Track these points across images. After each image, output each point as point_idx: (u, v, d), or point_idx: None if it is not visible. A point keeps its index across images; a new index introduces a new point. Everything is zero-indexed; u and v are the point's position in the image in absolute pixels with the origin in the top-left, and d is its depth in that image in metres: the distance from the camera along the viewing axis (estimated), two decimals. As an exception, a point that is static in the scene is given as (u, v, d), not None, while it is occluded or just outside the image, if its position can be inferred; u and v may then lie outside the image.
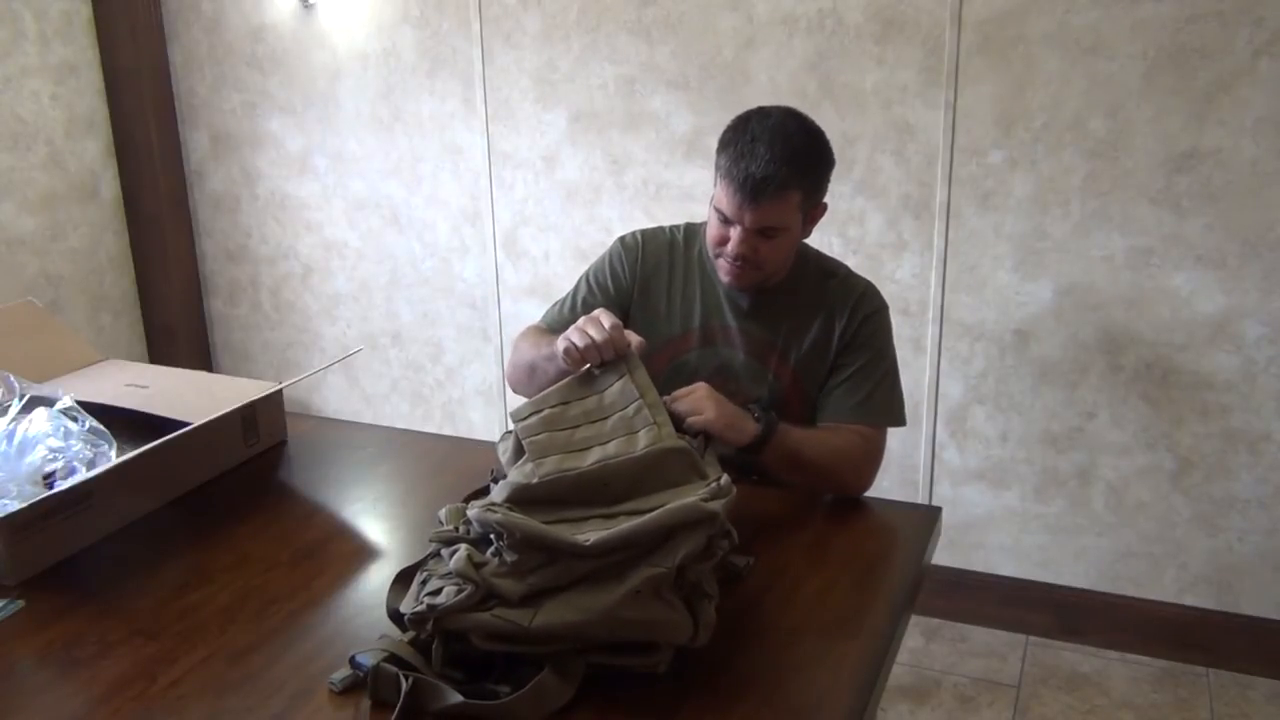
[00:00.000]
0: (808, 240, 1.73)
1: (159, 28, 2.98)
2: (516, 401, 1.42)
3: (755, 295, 1.66)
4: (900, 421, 1.65)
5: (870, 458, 1.60)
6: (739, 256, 1.55)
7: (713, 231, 1.59)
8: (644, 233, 1.76)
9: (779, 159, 1.48)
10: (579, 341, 1.34)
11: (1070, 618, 2.47)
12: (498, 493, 1.16)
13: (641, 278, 1.71)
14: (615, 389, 1.29)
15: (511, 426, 1.28)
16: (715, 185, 1.57)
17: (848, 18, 2.30)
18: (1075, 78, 2.16)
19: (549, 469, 1.16)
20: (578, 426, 1.24)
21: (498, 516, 1.06)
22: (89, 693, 1.10)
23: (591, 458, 1.18)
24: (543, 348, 1.56)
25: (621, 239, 1.75)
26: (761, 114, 1.55)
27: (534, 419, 1.25)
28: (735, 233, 1.54)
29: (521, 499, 1.13)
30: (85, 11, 2.92)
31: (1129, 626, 2.42)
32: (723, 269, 1.61)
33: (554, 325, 1.70)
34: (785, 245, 1.59)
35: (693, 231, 1.74)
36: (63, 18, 2.86)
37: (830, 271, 1.69)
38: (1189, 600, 2.36)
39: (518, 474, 1.18)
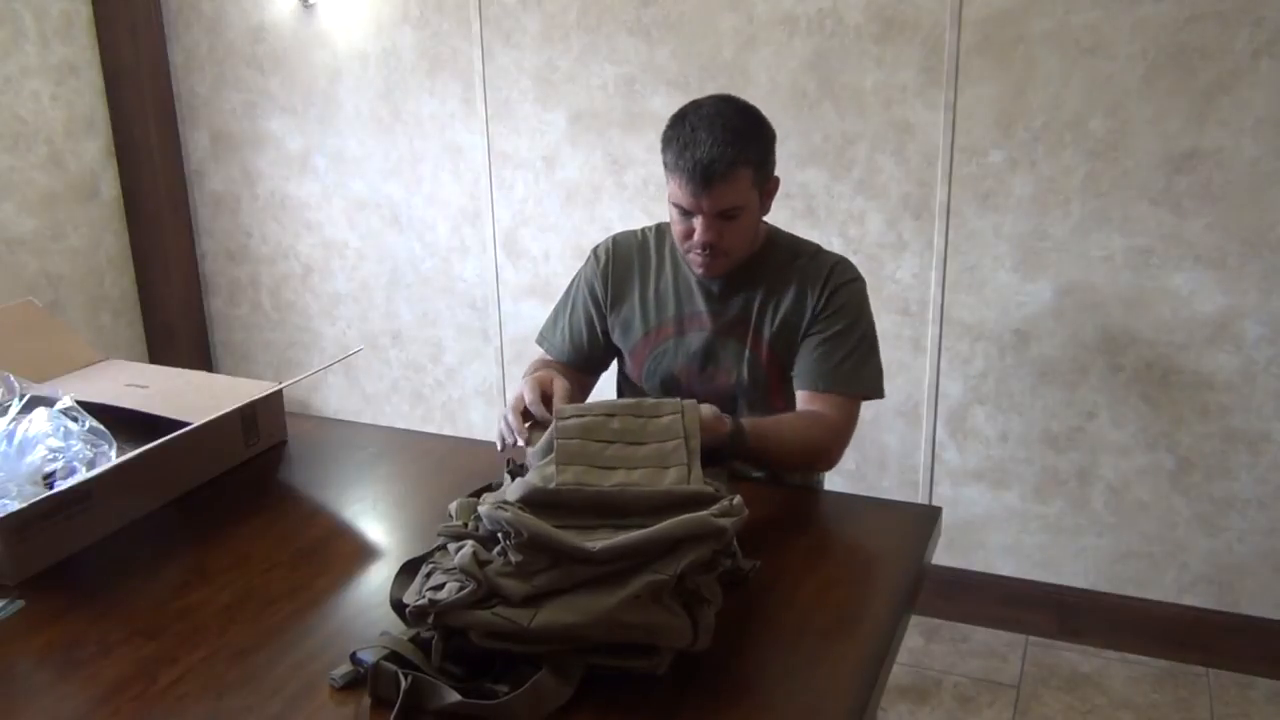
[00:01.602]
0: (788, 230, 1.75)
1: (159, 28, 2.98)
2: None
3: (725, 277, 1.68)
4: (878, 393, 1.66)
5: (839, 432, 1.61)
6: (706, 245, 1.57)
7: (676, 228, 1.62)
8: (616, 238, 1.79)
9: (722, 141, 1.51)
10: (505, 434, 1.47)
11: (1070, 618, 2.47)
12: (513, 490, 1.16)
13: (613, 285, 1.75)
14: (664, 422, 1.26)
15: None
16: (668, 183, 1.59)
17: (848, 18, 2.30)
18: (1075, 78, 2.16)
19: (569, 479, 1.16)
20: (612, 443, 1.22)
21: (508, 515, 1.06)
22: (89, 693, 1.10)
23: (614, 479, 1.17)
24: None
25: (594, 250, 1.80)
26: (695, 105, 1.59)
27: (574, 422, 1.24)
28: (698, 223, 1.56)
29: (535, 501, 1.13)
30: (85, 11, 2.92)
31: (1129, 626, 2.42)
32: (695, 262, 1.63)
33: (549, 344, 1.80)
34: (747, 225, 1.60)
35: (664, 228, 1.77)
36: (63, 18, 2.86)
37: (799, 250, 1.71)
38: (1189, 600, 2.36)
39: (537, 475, 1.17)
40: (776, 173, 1.64)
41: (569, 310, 1.80)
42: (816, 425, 1.59)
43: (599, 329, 1.77)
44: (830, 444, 1.60)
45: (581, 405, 1.29)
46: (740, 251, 1.62)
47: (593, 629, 1.02)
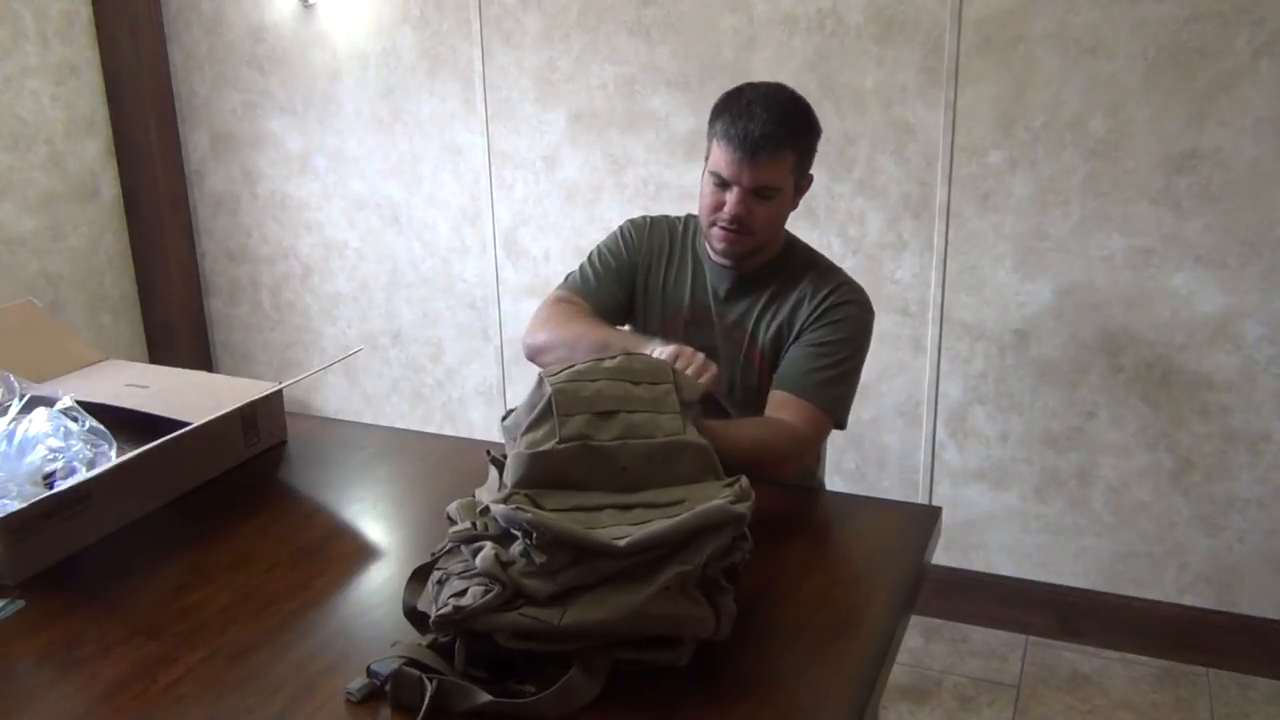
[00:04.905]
0: (813, 247, 1.76)
1: (159, 28, 2.98)
2: (516, 401, 1.42)
3: (736, 279, 1.69)
4: (841, 421, 1.61)
5: (799, 441, 1.54)
6: (735, 218, 1.57)
7: (707, 200, 1.62)
8: (651, 217, 1.82)
9: (775, 120, 1.54)
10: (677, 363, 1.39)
11: (1070, 618, 2.47)
12: (511, 469, 1.15)
13: (646, 255, 1.77)
14: (650, 361, 1.30)
15: (512, 408, 1.28)
16: (709, 153, 1.60)
17: (848, 18, 2.30)
18: (1075, 78, 2.16)
19: (572, 431, 1.15)
20: (606, 380, 1.23)
21: (528, 515, 1.05)
22: (89, 693, 1.10)
23: (614, 429, 1.17)
24: (612, 334, 1.58)
25: (631, 219, 1.82)
26: (752, 84, 1.61)
27: (565, 372, 1.25)
28: (732, 195, 1.57)
29: (535, 474, 1.13)
30: (85, 11, 2.92)
31: (1129, 626, 2.42)
32: (716, 237, 1.62)
33: (583, 295, 1.77)
34: (777, 211, 1.61)
35: (690, 220, 1.79)
36: (63, 18, 2.86)
37: (814, 264, 1.70)
38: (1189, 600, 2.36)
39: (533, 438, 1.16)
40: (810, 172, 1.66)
41: (599, 260, 1.78)
42: (773, 431, 1.54)
43: (627, 286, 1.76)
44: (788, 452, 1.53)
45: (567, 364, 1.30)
46: (764, 236, 1.62)
47: (623, 623, 1.02)
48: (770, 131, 1.53)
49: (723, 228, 1.59)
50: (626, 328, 1.79)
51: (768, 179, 1.56)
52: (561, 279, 2.72)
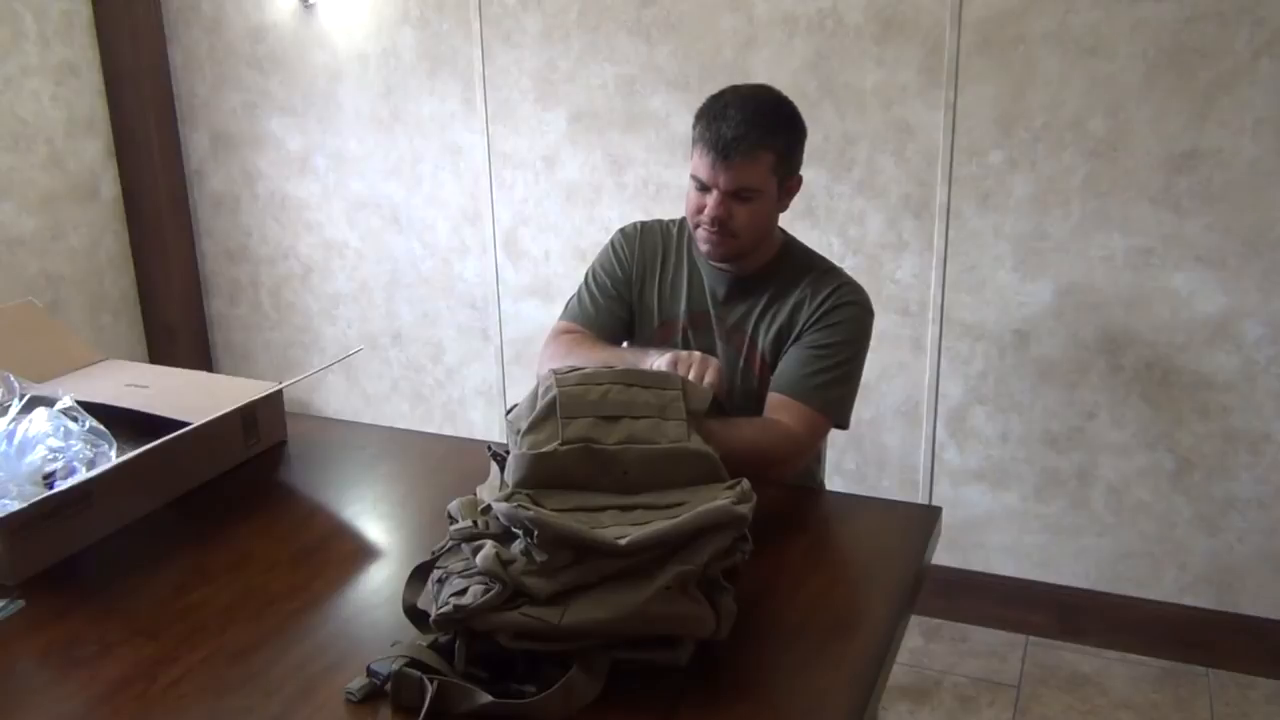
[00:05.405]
0: (786, 230, 1.75)
1: (159, 28, 2.98)
2: (516, 401, 1.42)
3: (733, 281, 1.68)
4: (842, 422, 1.62)
5: (796, 443, 1.56)
6: (715, 220, 1.58)
7: (690, 202, 1.62)
8: (643, 223, 1.80)
9: (750, 121, 1.54)
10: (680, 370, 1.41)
11: (1070, 618, 2.47)
12: (513, 470, 1.15)
13: (639, 265, 1.76)
14: (659, 372, 1.31)
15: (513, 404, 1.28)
16: (691, 155, 1.61)
17: (848, 18, 2.30)
18: (1075, 78, 2.16)
19: (574, 434, 1.16)
20: (613, 385, 1.23)
21: (530, 514, 1.05)
22: (89, 693, 1.10)
23: (618, 434, 1.17)
24: (615, 356, 1.59)
25: (622, 229, 1.80)
26: (734, 87, 1.62)
27: (575, 374, 1.25)
28: (711, 197, 1.57)
29: (537, 475, 1.13)
30: (85, 11, 2.92)
31: (1129, 626, 2.42)
32: (701, 239, 1.63)
33: (575, 314, 1.77)
34: (760, 212, 1.60)
35: (686, 223, 1.77)
36: (63, 18, 2.86)
37: (813, 265, 1.70)
38: (1189, 600, 2.36)
39: (535, 439, 1.16)
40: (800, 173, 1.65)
41: (595, 282, 1.78)
42: (769, 433, 1.55)
43: (626, 301, 1.76)
44: (784, 454, 1.55)
45: (575, 366, 1.31)
46: (749, 238, 1.61)
47: (623, 623, 1.02)
48: (743, 133, 1.53)
49: (705, 230, 1.60)
50: (626, 344, 1.79)
51: (744, 180, 1.55)
52: (561, 277, 2.75)
